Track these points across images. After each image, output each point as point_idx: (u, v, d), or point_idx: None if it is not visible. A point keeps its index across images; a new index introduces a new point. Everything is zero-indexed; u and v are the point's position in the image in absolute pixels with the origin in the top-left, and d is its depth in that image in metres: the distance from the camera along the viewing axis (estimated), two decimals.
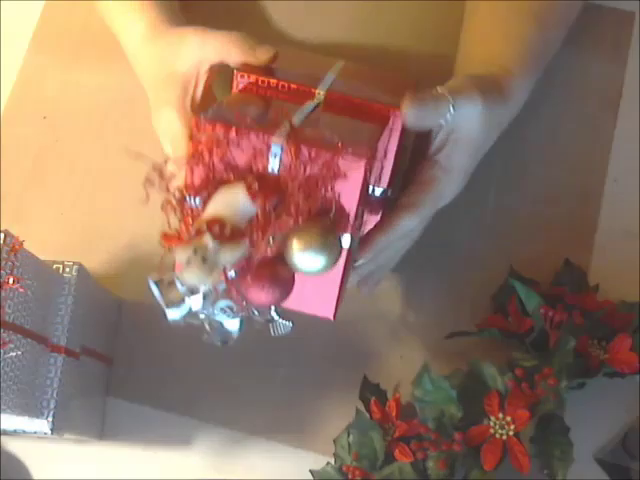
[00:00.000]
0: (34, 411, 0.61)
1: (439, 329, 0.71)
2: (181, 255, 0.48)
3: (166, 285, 0.50)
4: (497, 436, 0.63)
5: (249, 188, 0.49)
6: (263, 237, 0.50)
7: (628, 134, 0.76)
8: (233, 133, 0.50)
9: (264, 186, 0.50)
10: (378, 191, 0.62)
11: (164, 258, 0.52)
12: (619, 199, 0.75)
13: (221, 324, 0.54)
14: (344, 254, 0.53)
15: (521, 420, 0.63)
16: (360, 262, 0.62)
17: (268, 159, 0.50)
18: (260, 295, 0.51)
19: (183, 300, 0.50)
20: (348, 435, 0.66)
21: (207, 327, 0.54)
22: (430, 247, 0.73)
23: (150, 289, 0.50)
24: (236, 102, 0.58)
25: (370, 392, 0.69)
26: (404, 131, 0.61)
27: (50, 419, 0.61)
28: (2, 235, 0.58)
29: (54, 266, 0.65)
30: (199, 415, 0.71)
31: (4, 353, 0.56)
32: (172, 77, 0.64)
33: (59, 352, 0.62)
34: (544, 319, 0.66)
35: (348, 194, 0.52)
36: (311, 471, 0.68)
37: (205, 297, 0.50)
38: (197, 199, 0.51)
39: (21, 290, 0.58)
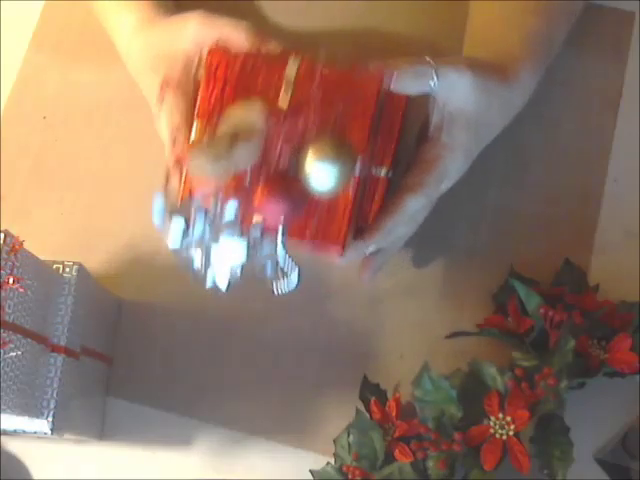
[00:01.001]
0: (34, 411, 0.61)
1: (439, 329, 0.71)
2: (194, 152, 0.48)
3: (172, 197, 0.50)
4: (497, 436, 0.63)
5: (264, 106, 0.50)
6: (277, 141, 0.50)
7: (628, 134, 0.76)
8: (248, 59, 0.51)
9: (277, 106, 0.50)
10: (381, 171, 0.62)
11: (170, 175, 0.51)
12: (619, 199, 0.75)
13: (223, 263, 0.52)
14: (354, 184, 0.53)
15: (521, 420, 0.63)
16: (371, 248, 0.62)
17: (281, 88, 0.51)
18: (272, 211, 0.50)
19: (185, 213, 0.50)
20: (348, 435, 0.66)
21: (203, 261, 0.52)
22: (430, 247, 0.74)
23: (154, 205, 0.50)
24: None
25: (370, 392, 0.69)
26: (406, 110, 0.62)
27: (50, 419, 0.61)
28: (2, 235, 0.58)
29: (54, 266, 0.65)
30: (199, 415, 0.71)
31: (4, 353, 0.56)
32: (172, 56, 0.61)
33: (59, 352, 0.62)
34: (544, 319, 0.66)
35: (360, 120, 0.52)
36: (311, 471, 0.68)
37: (208, 213, 0.50)
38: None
39: (21, 290, 0.58)
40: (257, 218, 0.52)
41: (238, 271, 0.53)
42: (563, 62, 0.73)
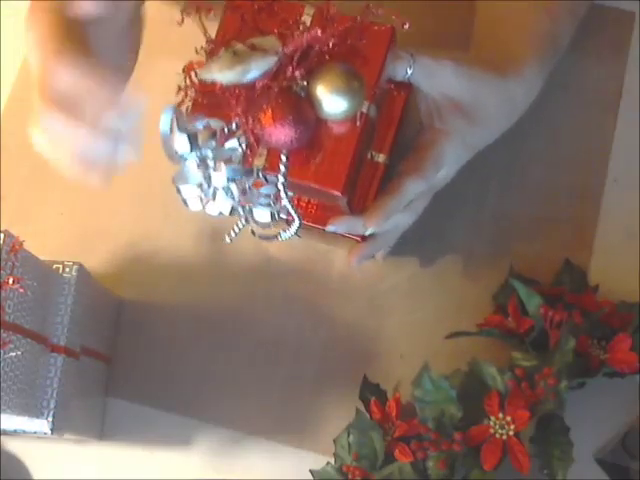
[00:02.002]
0: (34, 411, 0.61)
1: (439, 329, 0.71)
2: (211, 58, 0.49)
3: (181, 111, 0.51)
4: (497, 436, 0.63)
5: (281, 36, 0.51)
6: (291, 62, 0.51)
7: (628, 134, 0.76)
8: (266, 4, 0.52)
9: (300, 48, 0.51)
10: (379, 157, 0.64)
11: (184, 86, 0.51)
12: (619, 199, 0.75)
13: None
14: (360, 124, 0.54)
15: (521, 420, 0.63)
16: (369, 230, 0.63)
17: (298, 25, 0.52)
18: (280, 130, 0.51)
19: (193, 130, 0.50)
20: (348, 435, 0.66)
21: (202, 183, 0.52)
22: (430, 247, 0.74)
23: (162, 117, 0.50)
24: None
25: (370, 392, 0.69)
26: (407, 101, 0.64)
27: (50, 419, 0.61)
28: (2, 235, 0.58)
29: (54, 266, 0.65)
30: (199, 415, 0.71)
31: (4, 353, 0.56)
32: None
33: (59, 352, 0.62)
34: (544, 319, 0.66)
35: (372, 62, 0.54)
36: (311, 471, 0.68)
37: (213, 137, 0.50)
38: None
39: (21, 290, 0.58)
40: (260, 158, 0.53)
41: (230, 202, 0.53)
42: (563, 62, 0.72)
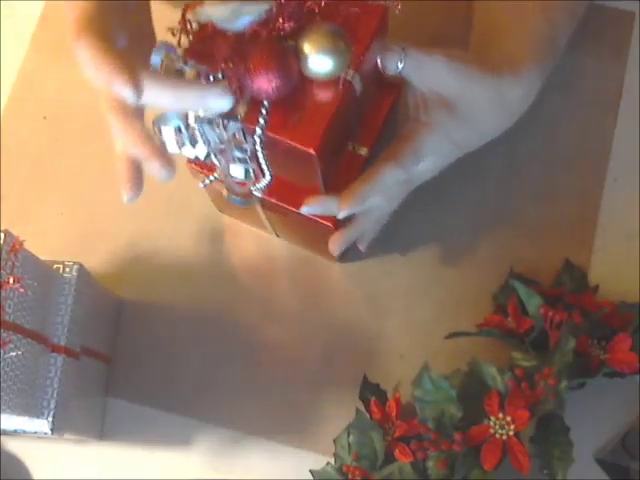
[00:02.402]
0: (34, 411, 0.61)
1: (439, 329, 0.71)
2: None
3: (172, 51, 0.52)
4: (497, 436, 0.63)
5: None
6: (281, 16, 0.51)
7: (628, 134, 0.76)
8: None
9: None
10: (361, 149, 0.65)
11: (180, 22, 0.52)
12: (619, 199, 0.75)
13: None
14: (342, 90, 0.54)
15: (521, 420, 0.63)
16: (343, 213, 0.62)
17: None
18: (264, 75, 0.51)
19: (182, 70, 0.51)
20: (348, 435, 0.66)
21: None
22: (430, 247, 0.74)
23: (153, 55, 0.51)
24: None
25: (370, 392, 0.69)
26: (396, 99, 0.65)
27: (50, 419, 0.61)
28: (2, 235, 0.58)
29: (54, 266, 0.65)
30: (199, 415, 0.71)
31: (4, 353, 0.56)
32: None
33: (59, 352, 0.62)
34: (544, 319, 0.66)
35: (361, 33, 0.55)
36: (311, 471, 0.68)
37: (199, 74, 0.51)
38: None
39: (21, 290, 0.58)
40: (241, 109, 0.53)
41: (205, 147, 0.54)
42: (563, 62, 0.72)
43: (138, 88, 0.49)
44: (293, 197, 0.63)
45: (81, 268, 0.65)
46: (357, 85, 0.56)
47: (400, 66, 0.60)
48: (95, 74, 0.51)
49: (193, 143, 0.54)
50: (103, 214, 0.76)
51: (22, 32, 0.82)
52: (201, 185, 0.61)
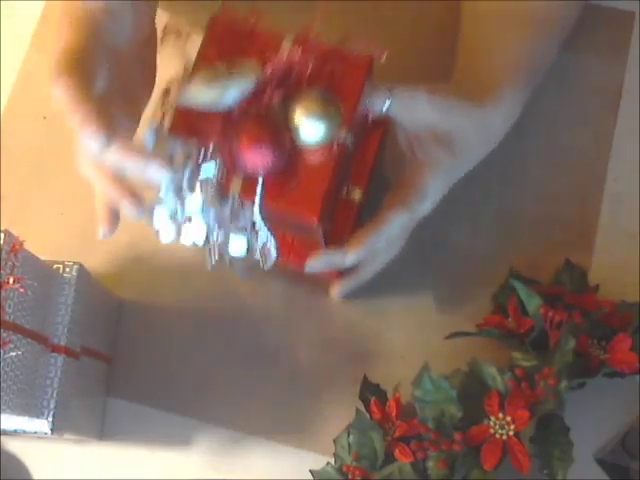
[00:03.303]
0: (34, 411, 0.61)
1: (439, 329, 0.71)
2: (189, 79, 0.49)
3: (162, 135, 0.51)
4: (497, 436, 0.63)
5: (262, 63, 0.52)
6: (269, 87, 0.51)
7: (628, 134, 0.76)
8: (247, 30, 0.53)
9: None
10: (354, 191, 0.65)
11: (163, 103, 0.52)
12: (619, 199, 0.75)
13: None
14: (336, 152, 0.53)
15: (521, 420, 0.63)
16: (350, 261, 0.63)
17: (277, 52, 0.53)
18: (256, 153, 0.50)
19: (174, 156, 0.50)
20: (348, 435, 0.66)
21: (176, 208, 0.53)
22: (430, 247, 0.74)
23: (145, 138, 0.50)
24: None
25: (370, 392, 0.69)
26: (383, 136, 0.65)
27: (50, 419, 0.61)
28: (2, 235, 0.58)
29: (54, 266, 0.65)
30: (199, 415, 0.71)
31: (4, 353, 0.56)
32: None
33: (59, 352, 0.62)
34: (544, 319, 0.66)
35: (349, 90, 0.54)
36: (311, 471, 0.68)
37: (189, 158, 0.50)
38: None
39: (21, 290, 0.58)
40: (236, 183, 0.52)
41: (204, 231, 0.53)
42: (562, 62, 0.73)
43: (105, 142, 0.49)
44: (295, 254, 0.63)
45: (81, 268, 0.65)
46: (350, 143, 0.55)
47: (387, 105, 0.60)
48: (68, 119, 0.51)
49: (188, 225, 0.53)
50: None
51: (22, 32, 0.82)
52: (209, 268, 0.57)
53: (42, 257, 0.63)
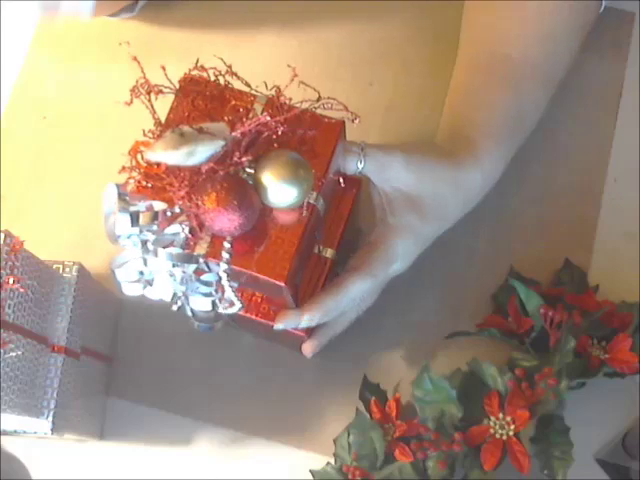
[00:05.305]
0: (34, 411, 0.61)
1: (439, 329, 0.71)
2: (158, 141, 0.48)
3: (127, 199, 0.49)
4: (497, 436, 0.63)
5: (230, 122, 0.51)
6: (239, 148, 0.50)
7: (628, 134, 0.76)
8: (219, 90, 0.52)
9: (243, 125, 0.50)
10: (327, 252, 0.63)
11: (131, 160, 0.51)
12: (619, 199, 0.75)
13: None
14: (307, 214, 0.53)
15: (521, 420, 0.63)
16: (304, 323, 0.60)
17: (248, 114, 0.52)
18: (225, 216, 0.49)
19: (135, 214, 0.49)
20: (348, 435, 0.66)
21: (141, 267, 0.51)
22: (430, 247, 0.73)
23: (105, 197, 0.49)
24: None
25: (370, 392, 0.69)
26: (356, 196, 0.63)
27: (50, 419, 0.61)
28: (2, 235, 0.58)
29: (54, 266, 0.65)
30: (199, 415, 0.71)
31: (4, 353, 0.56)
32: None
33: (59, 352, 0.62)
34: (544, 319, 0.67)
35: (320, 154, 0.53)
36: (311, 471, 0.68)
37: (155, 218, 0.49)
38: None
39: (21, 290, 0.58)
40: (203, 244, 0.51)
41: (171, 288, 0.52)
42: None
43: None
44: (263, 310, 0.62)
45: (81, 268, 0.65)
46: (320, 204, 0.55)
47: (360, 166, 0.59)
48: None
49: (153, 283, 0.51)
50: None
51: (22, 32, 0.82)
52: (174, 308, 0.55)
53: (42, 257, 0.63)
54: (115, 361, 0.73)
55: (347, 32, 0.79)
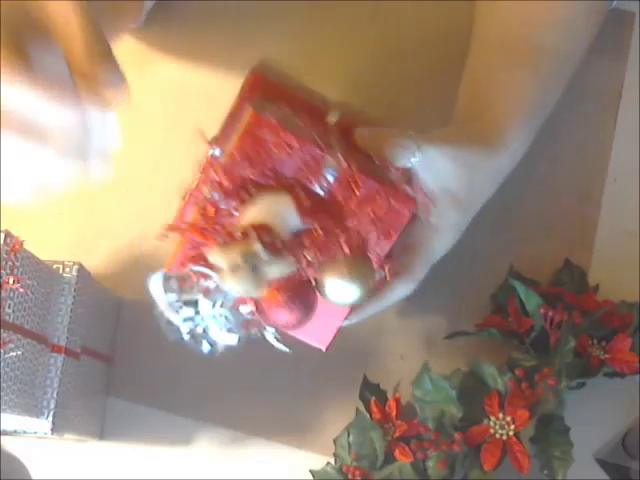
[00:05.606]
0: (34, 411, 0.61)
1: (439, 329, 0.71)
2: (225, 258, 0.44)
3: (174, 282, 0.47)
4: (497, 436, 0.63)
5: (300, 204, 0.47)
6: (315, 257, 0.47)
7: (628, 134, 0.76)
8: (293, 141, 0.47)
9: (315, 204, 0.47)
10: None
11: (175, 252, 0.49)
12: (619, 199, 0.75)
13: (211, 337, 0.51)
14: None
15: (521, 420, 0.63)
16: (346, 324, 0.60)
17: (319, 175, 0.48)
18: (286, 316, 0.49)
19: (190, 303, 0.48)
20: (348, 435, 0.66)
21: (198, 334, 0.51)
22: None
23: (152, 285, 0.47)
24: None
25: (370, 392, 0.69)
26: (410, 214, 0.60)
27: (50, 419, 0.61)
28: (2, 235, 0.58)
29: (54, 266, 0.65)
30: (199, 415, 0.71)
31: (4, 353, 0.56)
32: None
33: (59, 352, 0.62)
34: (544, 319, 0.66)
35: (387, 231, 0.51)
36: (311, 471, 0.68)
37: (214, 303, 0.48)
38: (228, 200, 0.48)
39: (21, 290, 0.58)
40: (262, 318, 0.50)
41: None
42: None
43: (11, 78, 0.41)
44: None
45: (81, 268, 0.65)
46: (378, 278, 0.53)
47: (413, 162, 0.57)
48: None
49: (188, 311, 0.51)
50: (103, 214, 0.76)
51: None
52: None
53: (42, 257, 0.63)
54: (115, 361, 0.73)
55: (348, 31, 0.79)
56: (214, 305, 0.48)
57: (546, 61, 0.68)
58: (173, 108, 0.76)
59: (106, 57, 0.44)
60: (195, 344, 0.50)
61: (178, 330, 0.50)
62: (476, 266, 0.73)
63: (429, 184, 0.59)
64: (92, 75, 0.43)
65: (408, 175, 0.57)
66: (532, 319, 0.67)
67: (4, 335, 0.56)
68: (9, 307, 0.57)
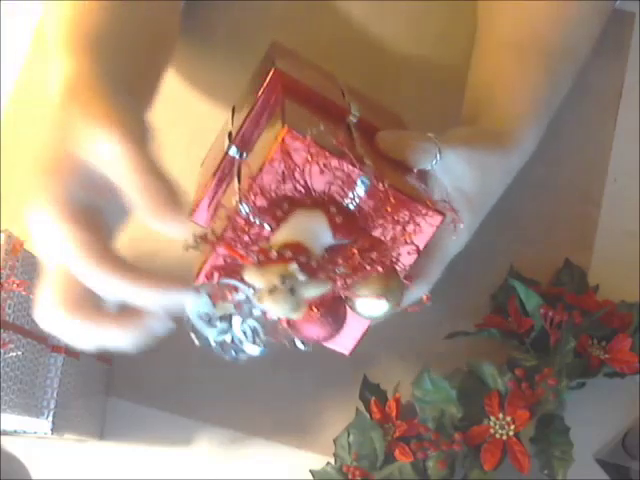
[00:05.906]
0: (34, 411, 0.61)
1: (439, 329, 0.71)
2: (262, 280, 0.43)
3: (206, 295, 0.46)
4: (497, 436, 0.63)
5: (332, 220, 0.46)
6: (349, 275, 0.47)
7: (628, 134, 0.76)
8: (327, 157, 0.46)
9: (345, 220, 0.47)
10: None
11: (204, 265, 0.49)
12: (619, 199, 0.75)
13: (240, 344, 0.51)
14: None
15: (521, 420, 0.63)
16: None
17: (350, 191, 0.47)
18: (318, 331, 0.49)
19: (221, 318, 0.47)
20: (348, 435, 0.66)
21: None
22: None
23: (186, 299, 0.46)
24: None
25: (370, 392, 0.69)
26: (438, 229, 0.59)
27: (50, 419, 0.61)
28: (3, 235, 0.58)
29: None
30: (199, 415, 0.71)
31: (4, 353, 0.56)
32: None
33: (59, 352, 0.62)
34: (544, 319, 0.66)
35: (414, 246, 0.51)
36: (311, 471, 0.68)
37: (245, 317, 0.47)
38: (262, 216, 0.47)
39: (21, 290, 0.58)
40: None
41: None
42: None
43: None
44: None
45: None
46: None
47: (434, 163, 0.57)
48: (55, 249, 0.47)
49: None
50: None
51: (22, 32, 0.82)
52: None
53: None
54: (115, 361, 0.73)
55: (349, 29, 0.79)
56: (245, 319, 0.47)
57: (555, 60, 0.68)
58: (173, 108, 0.76)
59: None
60: (222, 352, 0.49)
61: (206, 338, 0.49)
62: (476, 266, 0.73)
63: (448, 185, 0.60)
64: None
65: (425, 177, 0.57)
66: (532, 319, 0.67)
67: (4, 335, 0.56)
68: (9, 307, 0.57)
